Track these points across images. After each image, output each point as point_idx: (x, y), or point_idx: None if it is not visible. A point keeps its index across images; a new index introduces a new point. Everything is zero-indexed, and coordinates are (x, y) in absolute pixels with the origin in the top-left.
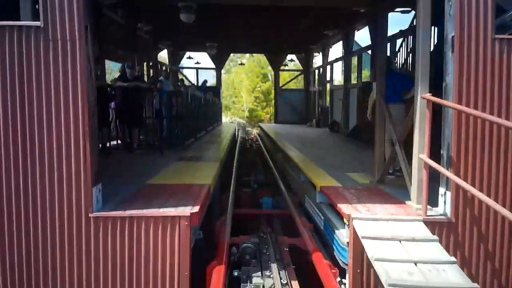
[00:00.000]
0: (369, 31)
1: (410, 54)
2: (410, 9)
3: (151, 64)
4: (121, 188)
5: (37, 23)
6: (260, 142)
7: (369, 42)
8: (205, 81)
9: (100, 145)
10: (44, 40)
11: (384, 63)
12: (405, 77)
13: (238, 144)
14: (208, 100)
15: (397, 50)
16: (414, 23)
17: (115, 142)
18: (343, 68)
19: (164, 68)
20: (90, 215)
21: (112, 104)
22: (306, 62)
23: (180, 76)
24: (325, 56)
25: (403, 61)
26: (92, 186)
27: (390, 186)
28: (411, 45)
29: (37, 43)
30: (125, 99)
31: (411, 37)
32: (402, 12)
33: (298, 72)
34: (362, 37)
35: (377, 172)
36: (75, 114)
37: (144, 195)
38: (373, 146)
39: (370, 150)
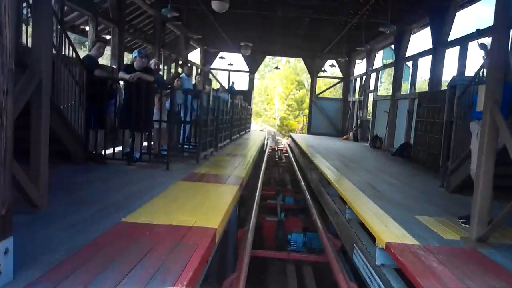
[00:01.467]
0: (431, 32)
1: None
2: None
3: (180, 63)
4: (79, 228)
5: None
6: (291, 155)
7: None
8: (233, 83)
9: (94, 152)
10: None
11: (507, 56)
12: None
13: (266, 156)
14: (236, 105)
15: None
16: None
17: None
18: (380, 79)
19: (189, 64)
20: None
21: (112, 103)
22: (347, 68)
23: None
24: (370, 62)
25: None
26: None
27: (499, 250)
28: None
29: None
30: (128, 96)
31: None
32: None
33: (336, 80)
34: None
35: (477, 225)
36: None
37: (103, 249)
38: (434, 171)
39: (431, 177)
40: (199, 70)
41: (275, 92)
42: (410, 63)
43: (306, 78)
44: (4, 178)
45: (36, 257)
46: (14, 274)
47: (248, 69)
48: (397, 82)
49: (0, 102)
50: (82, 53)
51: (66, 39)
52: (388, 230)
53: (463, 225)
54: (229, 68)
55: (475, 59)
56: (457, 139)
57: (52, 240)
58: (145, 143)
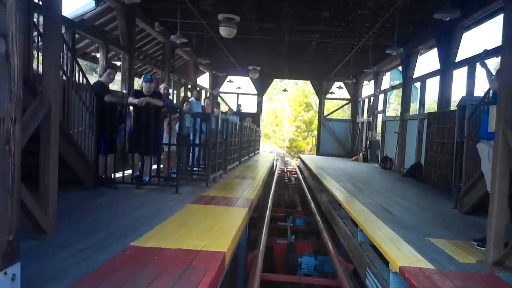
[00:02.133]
0: (438, 53)
1: None
2: None
3: (189, 87)
4: (87, 254)
5: None
6: (300, 176)
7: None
8: (239, 105)
9: (104, 176)
10: None
11: None
12: None
13: (275, 177)
14: (244, 127)
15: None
16: None
17: (127, 173)
18: (389, 100)
19: (198, 88)
20: None
21: (122, 127)
22: (355, 90)
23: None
24: (377, 84)
25: None
26: None
27: None
28: None
29: None
30: (137, 120)
31: None
32: None
33: (344, 102)
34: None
35: (493, 247)
36: None
37: (110, 275)
38: (446, 192)
39: (443, 198)
40: (208, 94)
41: (283, 114)
42: (417, 84)
43: (314, 100)
44: (12, 206)
45: (43, 283)
46: None
47: (256, 92)
48: (405, 103)
49: (8, 130)
50: (94, 79)
51: (77, 66)
52: (402, 254)
53: (478, 247)
54: (237, 91)
55: (484, 79)
56: (468, 159)
57: (60, 266)
58: (154, 166)
